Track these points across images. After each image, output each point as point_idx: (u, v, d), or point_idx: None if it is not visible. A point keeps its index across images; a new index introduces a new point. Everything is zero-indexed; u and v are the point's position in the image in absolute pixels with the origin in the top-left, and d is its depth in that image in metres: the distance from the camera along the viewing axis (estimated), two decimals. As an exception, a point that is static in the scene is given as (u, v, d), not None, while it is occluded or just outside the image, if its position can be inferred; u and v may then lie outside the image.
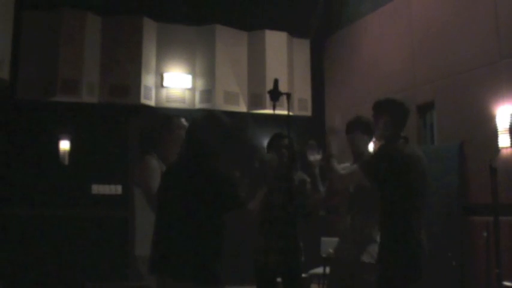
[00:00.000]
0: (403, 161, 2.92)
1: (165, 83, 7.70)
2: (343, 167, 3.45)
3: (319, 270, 5.97)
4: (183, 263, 2.45)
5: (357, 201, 3.36)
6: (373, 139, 3.47)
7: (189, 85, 7.82)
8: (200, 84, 7.86)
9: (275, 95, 3.31)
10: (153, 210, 3.01)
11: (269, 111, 7.22)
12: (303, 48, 8.41)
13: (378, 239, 3.07)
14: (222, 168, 2.58)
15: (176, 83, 7.75)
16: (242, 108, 7.93)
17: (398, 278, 2.84)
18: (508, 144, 4.84)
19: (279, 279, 3.82)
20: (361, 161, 3.14)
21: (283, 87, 3.59)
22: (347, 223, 3.39)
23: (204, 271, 2.45)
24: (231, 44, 7.96)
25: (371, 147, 3.84)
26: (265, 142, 4.08)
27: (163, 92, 7.70)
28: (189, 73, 7.84)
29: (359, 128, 3.39)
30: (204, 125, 2.66)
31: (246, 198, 2.62)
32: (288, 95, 3.42)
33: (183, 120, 3.40)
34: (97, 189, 7.23)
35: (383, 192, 2.98)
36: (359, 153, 3.40)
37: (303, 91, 8.24)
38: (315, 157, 3.43)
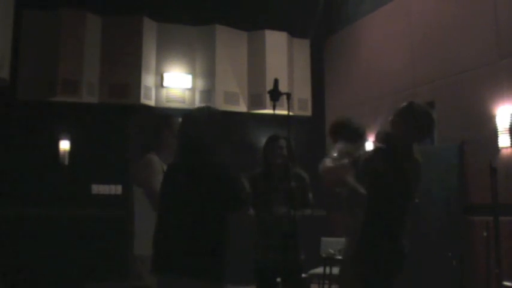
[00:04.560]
0: (387, 167, 2.91)
1: (165, 83, 7.69)
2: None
3: (319, 270, 5.97)
4: (189, 261, 2.44)
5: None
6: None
7: (189, 85, 7.81)
8: (200, 84, 7.85)
9: (275, 95, 3.30)
10: (155, 209, 3.01)
11: (269, 111, 7.22)
12: (303, 48, 8.40)
13: None
14: (223, 162, 2.55)
15: (176, 83, 7.74)
16: (242, 108, 7.93)
17: (368, 276, 2.90)
18: (508, 144, 4.85)
19: (278, 279, 3.82)
20: (355, 158, 3.08)
21: (283, 87, 3.59)
22: (358, 223, 3.35)
23: (209, 268, 2.44)
24: (231, 44, 7.95)
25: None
26: (263, 142, 4.08)
27: (163, 92, 7.69)
28: (189, 73, 7.84)
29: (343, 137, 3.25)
30: (193, 119, 2.64)
31: (247, 196, 2.60)
32: (288, 95, 3.41)
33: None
34: (97, 189, 7.22)
35: (367, 192, 2.97)
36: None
37: (303, 91, 8.22)
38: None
